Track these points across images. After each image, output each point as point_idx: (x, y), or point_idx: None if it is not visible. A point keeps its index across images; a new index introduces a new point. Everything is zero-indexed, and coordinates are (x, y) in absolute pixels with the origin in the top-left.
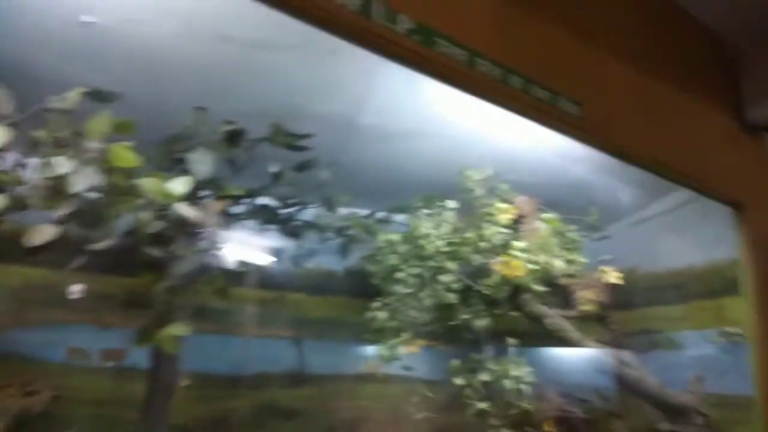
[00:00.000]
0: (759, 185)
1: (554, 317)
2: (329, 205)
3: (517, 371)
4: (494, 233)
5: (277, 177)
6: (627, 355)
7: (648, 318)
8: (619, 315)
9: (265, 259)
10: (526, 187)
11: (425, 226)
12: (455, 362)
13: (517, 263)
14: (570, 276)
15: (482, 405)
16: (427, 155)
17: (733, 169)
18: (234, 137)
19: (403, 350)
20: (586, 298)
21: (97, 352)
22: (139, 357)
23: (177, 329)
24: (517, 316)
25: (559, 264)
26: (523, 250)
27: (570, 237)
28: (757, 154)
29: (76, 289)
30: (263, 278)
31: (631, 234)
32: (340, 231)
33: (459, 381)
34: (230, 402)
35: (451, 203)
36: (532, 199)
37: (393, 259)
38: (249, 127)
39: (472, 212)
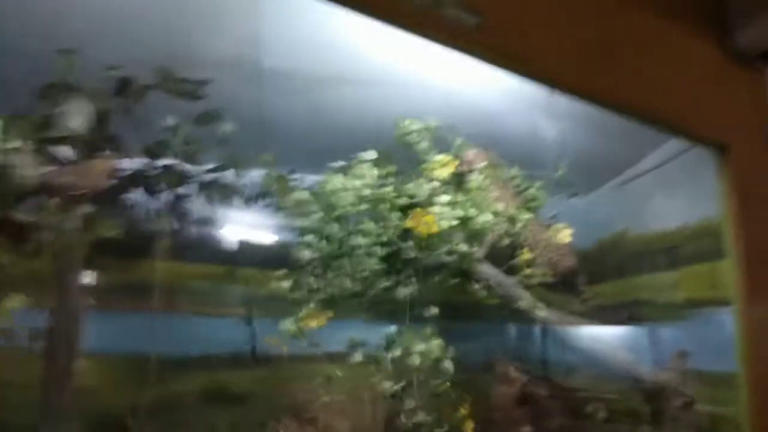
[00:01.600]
0: (746, 124)
1: (503, 284)
2: (235, 164)
3: (421, 346)
4: (416, 188)
5: (174, 131)
6: (598, 329)
7: (638, 287)
8: (609, 285)
9: (187, 228)
10: (489, 143)
11: (337, 182)
12: (354, 337)
13: (430, 217)
14: (512, 235)
15: (389, 385)
16: (360, 106)
17: (715, 105)
18: (122, 86)
19: (312, 324)
20: (543, 262)
21: None
22: None
23: (12, 301)
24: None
25: (486, 219)
26: (448, 204)
27: (524, 191)
28: (744, 88)
29: None
30: (199, 250)
31: (620, 194)
32: (261, 194)
33: (357, 357)
34: (171, 386)
35: (370, 154)
36: (485, 152)
37: (301, 221)
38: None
39: (412, 169)
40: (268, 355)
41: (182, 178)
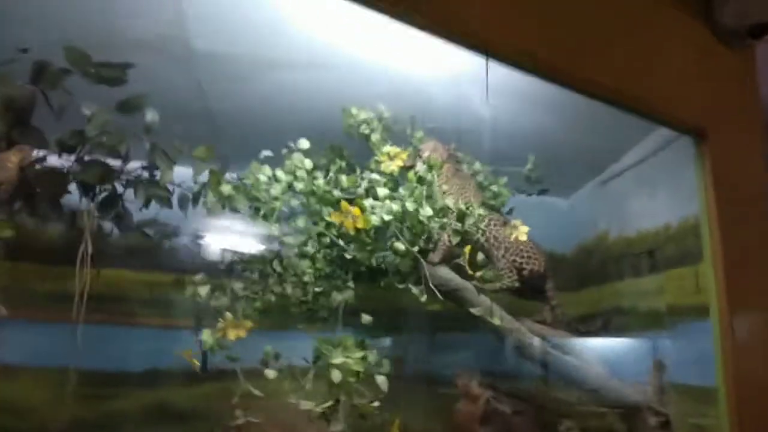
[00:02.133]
0: (729, 108)
1: (462, 290)
2: (163, 158)
3: (339, 358)
4: (353, 181)
5: (89, 120)
6: (567, 339)
7: (619, 294)
8: (590, 292)
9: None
10: (450, 136)
11: (262, 174)
12: (268, 348)
13: (357, 210)
14: (462, 234)
15: (307, 404)
16: (307, 92)
17: (695, 87)
18: (37, 71)
19: (231, 335)
20: (507, 265)
21: None
22: None
23: None
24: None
25: (427, 214)
26: (385, 198)
27: (488, 187)
28: (729, 70)
29: None
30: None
31: (602, 194)
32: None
33: (270, 372)
34: (113, 403)
35: (304, 143)
36: (443, 144)
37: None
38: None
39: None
40: (222, 370)
41: (104, 175)
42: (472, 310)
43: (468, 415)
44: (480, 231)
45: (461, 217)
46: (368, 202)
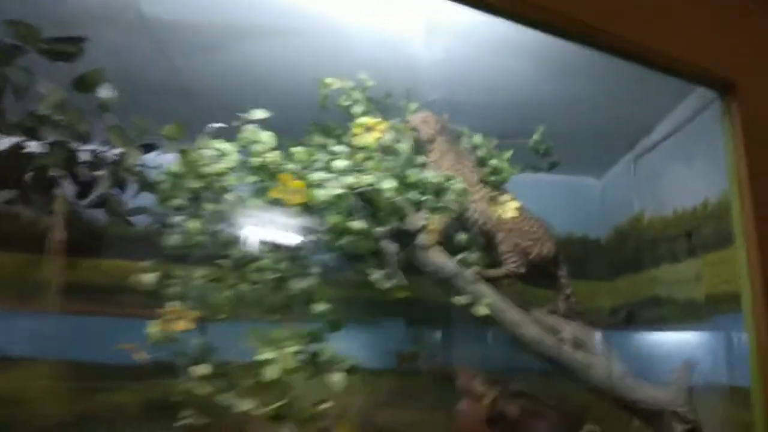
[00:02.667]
0: (759, 57)
1: (457, 277)
2: (118, 137)
3: (272, 353)
4: (310, 153)
5: (44, 100)
6: (581, 333)
7: (656, 282)
8: (627, 280)
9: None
10: (450, 107)
11: (211, 149)
12: (201, 341)
13: (298, 184)
14: (440, 210)
15: (246, 404)
16: (282, 63)
17: (721, 34)
18: None
19: (178, 326)
20: (510, 249)
21: None
22: None
23: None
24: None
25: (390, 186)
26: (345, 171)
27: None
28: (757, 13)
29: None
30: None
31: (635, 171)
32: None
33: (201, 368)
34: (111, 396)
35: (258, 113)
36: (437, 116)
37: (171, 200)
38: None
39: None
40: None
41: (68, 157)
42: (457, 299)
43: (472, 417)
44: (477, 211)
45: (439, 191)
46: (319, 175)
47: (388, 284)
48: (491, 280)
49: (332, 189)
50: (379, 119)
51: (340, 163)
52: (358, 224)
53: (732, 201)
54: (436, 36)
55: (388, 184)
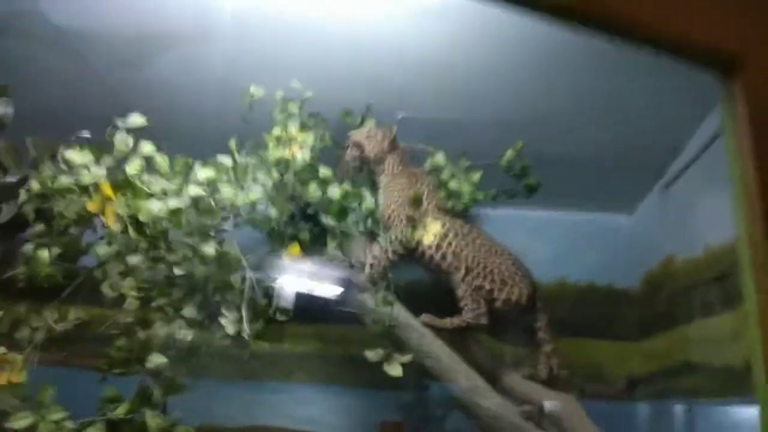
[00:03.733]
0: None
1: (403, 324)
2: (9, 157)
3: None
4: (136, 169)
5: None
6: (564, 407)
7: (688, 342)
8: (656, 341)
9: None
10: (417, 123)
11: (81, 159)
12: None
13: (108, 191)
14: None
15: None
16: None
17: (722, 9)
18: None
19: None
20: (470, 292)
21: None
22: None
23: None
24: None
25: (246, 198)
26: (209, 182)
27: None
28: None
29: None
30: None
31: (665, 203)
32: None
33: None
34: None
35: (137, 119)
36: (384, 131)
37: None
38: None
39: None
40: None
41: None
42: (368, 354)
43: None
44: (428, 243)
45: (340, 212)
46: (162, 186)
47: (234, 331)
48: (444, 332)
49: (168, 202)
50: (301, 131)
51: (204, 173)
52: (202, 246)
53: (737, 204)
54: (407, 44)
55: (247, 197)
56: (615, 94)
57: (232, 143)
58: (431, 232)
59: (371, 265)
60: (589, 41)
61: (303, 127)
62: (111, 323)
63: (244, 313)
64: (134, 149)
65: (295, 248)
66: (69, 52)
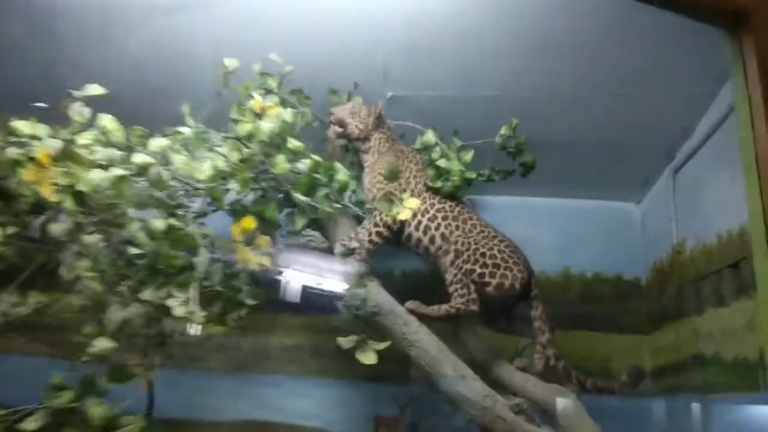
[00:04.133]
0: None
1: (385, 311)
2: None
3: None
4: (140, 136)
5: None
6: (563, 401)
7: (699, 334)
8: (666, 333)
9: None
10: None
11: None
12: None
13: (44, 159)
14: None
15: None
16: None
17: None
18: None
19: None
20: (459, 277)
21: None
22: None
23: None
24: None
25: (207, 172)
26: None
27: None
28: None
29: None
30: None
31: (675, 188)
32: None
33: None
34: None
35: (94, 89)
36: (369, 106)
37: None
38: None
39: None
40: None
41: None
42: (340, 341)
43: None
44: (421, 227)
45: (310, 186)
46: (105, 153)
47: (183, 311)
48: (429, 319)
49: (114, 171)
50: (272, 103)
51: (157, 142)
52: (153, 223)
53: (746, 172)
54: (394, 19)
55: (207, 166)
56: (620, 71)
57: (185, 108)
58: (408, 206)
59: (354, 249)
60: (590, 13)
61: (284, 104)
62: (64, 307)
63: (191, 293)
64: (92, 121)
65: (248, 221)
66: (37, 27)
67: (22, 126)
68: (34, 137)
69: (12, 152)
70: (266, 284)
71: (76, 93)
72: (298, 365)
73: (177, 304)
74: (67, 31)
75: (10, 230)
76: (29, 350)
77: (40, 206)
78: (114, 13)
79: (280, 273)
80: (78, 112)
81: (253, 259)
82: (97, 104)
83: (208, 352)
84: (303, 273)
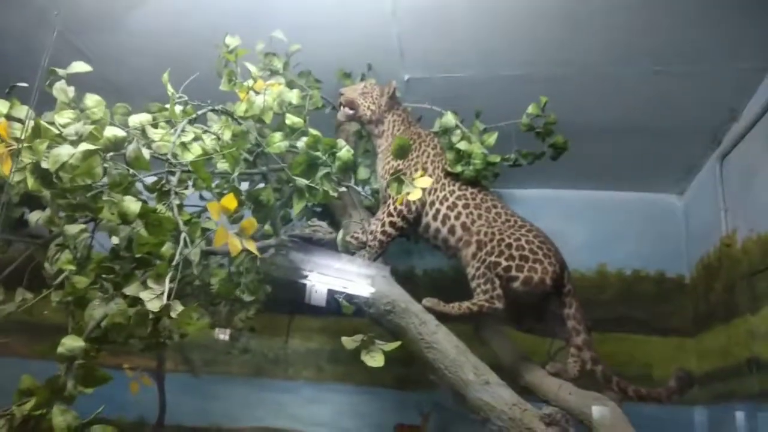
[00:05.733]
0: None
1: (401, 308)
2: None
3: None
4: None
5: None
6: (599, 408)
7: (756, 335)
8: (715, 335)
9: None
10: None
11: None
12: None
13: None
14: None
15: None
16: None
17: None
18: None
19: None
20: (482, 270)
21: None
22: None
23: None
24: None
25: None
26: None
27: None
28: None
29: None
30: None
31: (722, 175)
32: None
33: None
34: None
35: (78, 66)
36: (380, 86)
37: None
38: None
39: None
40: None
41: None
42: (345, 341)
43: None
44: (440, 216)
45: (309, 166)
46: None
47: (157, 306)
48: (449, 318)
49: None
50: (272, 82)
51: (137, 117)
52: (132, 204)
53: None
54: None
55: (187, 138)
56: (659, 45)
57: (165, 76)
58: (420, 184)
59: (366, 242)
60: None
61: (291, 86)
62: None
63: (166, 286)
64: (77, 101)
65: (230, 199)
66: (31, 10)
67: None
68: (10, 117)
69: None
70: (276, 283)
71: (60, 71)
72: (316, 370)
73: (151, 298)
74: (68, 16)
75: None
76: (21, 352)
77: (31, 198)
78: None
79: (291, 271)
80: (61, 89)
81: (236, 243)
82: (96, 89)
83: (222, 356)
84: (309, 269)
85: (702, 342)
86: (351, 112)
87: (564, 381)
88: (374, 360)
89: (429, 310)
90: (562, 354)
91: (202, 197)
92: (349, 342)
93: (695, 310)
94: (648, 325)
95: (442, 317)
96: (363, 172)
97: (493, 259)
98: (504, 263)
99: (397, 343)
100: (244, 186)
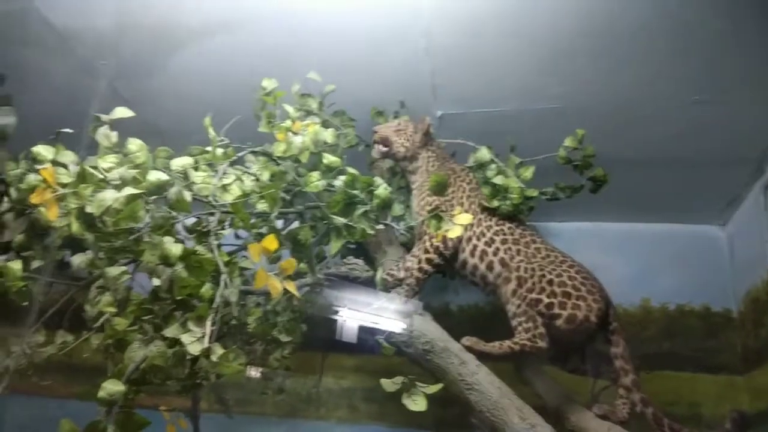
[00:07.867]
0: None
1: (439, 348)
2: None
3: None
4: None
5: None
6: None
7: None
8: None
9: None
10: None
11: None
12: None
13: (50, 175)
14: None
15: None
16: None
17: None
18: None
19: None
20: (524, 308)
21: None
22: None
23: None
24: None
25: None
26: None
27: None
28: None
29: None
30: None
31: (765, 207)
32: None
33: None
34: None
35: (120, 112)
36: (414, 123)
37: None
38: None
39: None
40: None
41: None
42: (384, 383)
43: None
44: (477, 252)
45: (347, 205)
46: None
47: (198, 349)
48: (489, 358)
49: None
50: (307, 122)
51: (179, 161)
52: (173, 247)
53: None
54: (440, 33)
55: (228, 181)
56: (700, 73)
57: (207, 120)
58: (461, 220)
59: (403, 279)
60: (664, 6)
61: (325, 126)
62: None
63: (208, 328)
64: (119, 145)
65: (270, 240)
66: (71, 57)
67: (42, 150)
68: (55, 162)
69: (31, 179)
70: (313, 322)
71: (104, 117)
72: (349, 410)
73: (192, 340)
74: (109, 60)
75: (35, 264)
76: (60, 393)
77: (74, 240)
78: (150, 41)
79: (327, 309)
80: (104, 135)
81: (276, 285)
82: (138, 133)
83: (256, 396)
84: (345, 307)
85: (753, 380)
86: (385, 149)
87: (612, 424)
88: (416, 404)
89: (468, 349)
90: (606, 394)
91: (237, 236)
92: (389, 384)
93: (744, 346)
94: (695, 362)
95: (482, 356)
96: (398, 209)
97: (534, 296)
98: (546, 300)
99: (440, 386)
100: (278, 224)
